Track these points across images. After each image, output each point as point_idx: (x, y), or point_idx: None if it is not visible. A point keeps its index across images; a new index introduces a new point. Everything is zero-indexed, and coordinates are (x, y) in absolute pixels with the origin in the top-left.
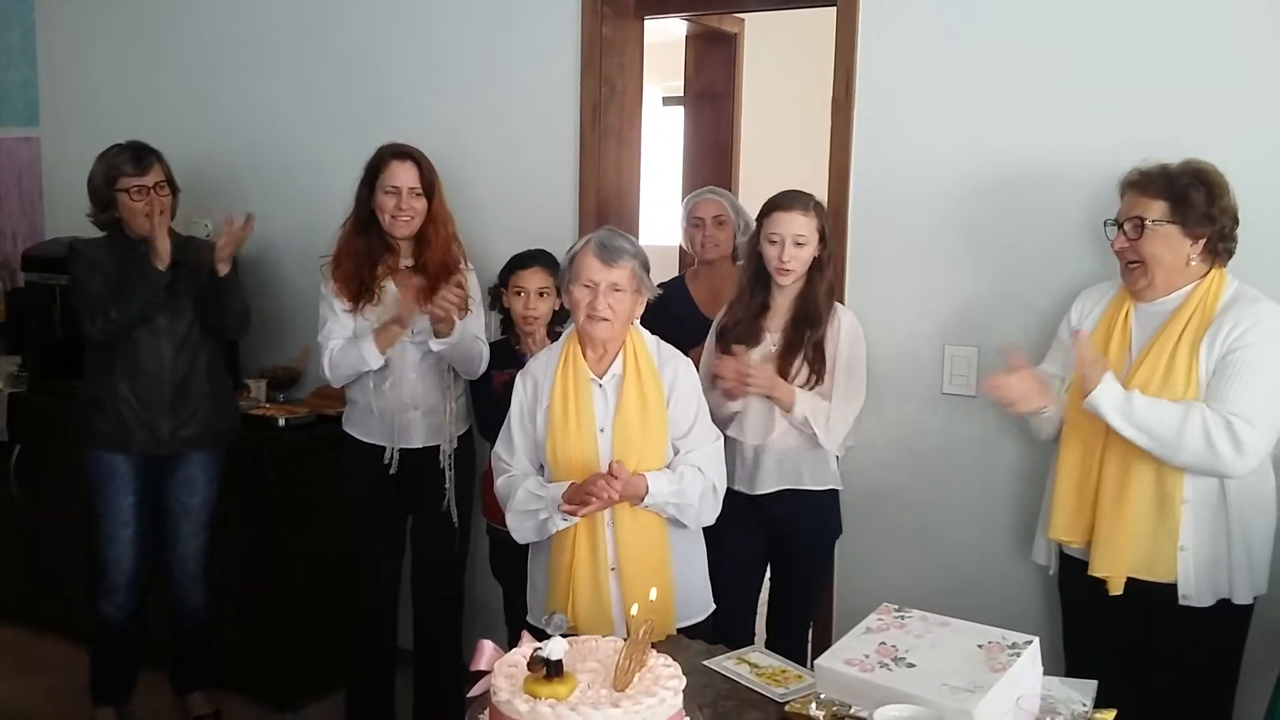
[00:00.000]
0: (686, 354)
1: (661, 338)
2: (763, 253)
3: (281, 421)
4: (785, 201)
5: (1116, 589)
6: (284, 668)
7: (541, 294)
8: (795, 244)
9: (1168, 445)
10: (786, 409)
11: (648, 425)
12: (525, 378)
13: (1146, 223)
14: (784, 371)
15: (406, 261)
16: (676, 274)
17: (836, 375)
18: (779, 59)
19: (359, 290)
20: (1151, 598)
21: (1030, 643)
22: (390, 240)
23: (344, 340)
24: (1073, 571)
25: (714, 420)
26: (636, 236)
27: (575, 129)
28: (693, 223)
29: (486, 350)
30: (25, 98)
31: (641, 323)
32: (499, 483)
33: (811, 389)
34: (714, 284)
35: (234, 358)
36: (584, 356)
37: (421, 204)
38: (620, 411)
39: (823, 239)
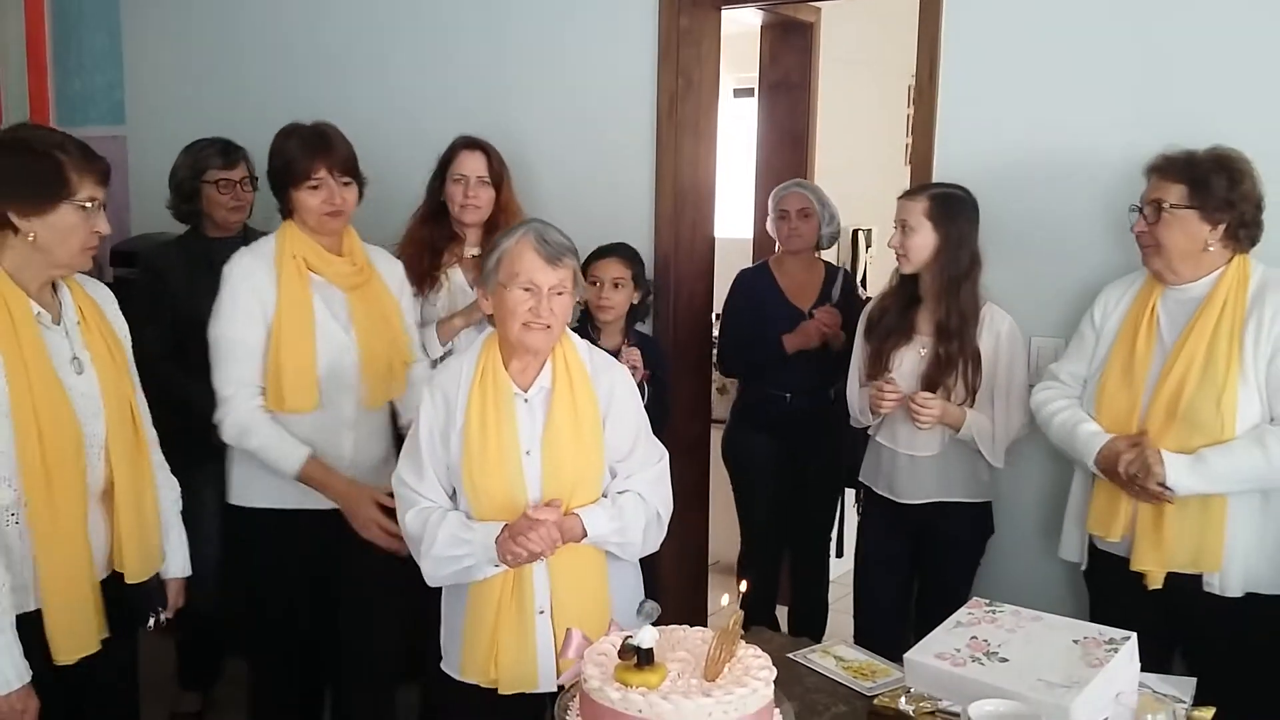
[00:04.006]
0: (780, 340)
1: (749, 324)
2: None
3: None
4: (912, 188)
5: (1156, 583)
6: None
7: (616, 285)
8: (905, 229)
9: (1266, 480)
10: (956, 429)
11: (582, 446)
12: (434, 391)
13: (1165, 206)
14: (935, 383)
15: (473, 250)
16: (761, 260)
17: (996, 387)
18: (856, 48)
19: (421, 276)
20: (1193, 592)
21: (1128, 639)
22: (457, 229)
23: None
24: (1106, 566)
25: (854, 415)
26: (712, 229)
27: (652, 121)
28: (779, 215)
29: None
30: (111, 99)
31: (729, 308)
32: (408, 517)
33: (972, 403)
34: (799, 274)
35: None
36: (505, 367)
37: (488, 194)
38: (549, 430)
39: (938, 226)
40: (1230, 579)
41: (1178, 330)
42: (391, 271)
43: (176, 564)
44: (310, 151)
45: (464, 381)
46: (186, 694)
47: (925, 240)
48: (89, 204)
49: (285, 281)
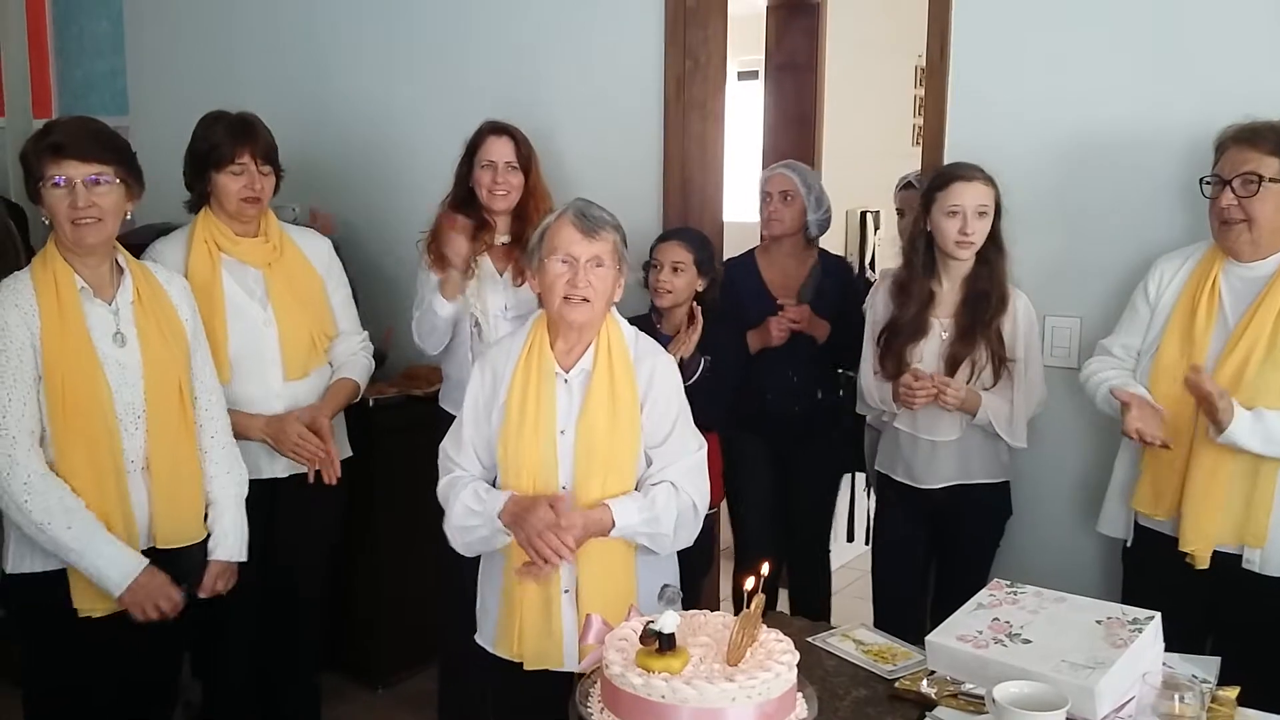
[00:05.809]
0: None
1: (726, 314)
2: (936, 230)
3: (370, 402)
4: (965, 171)
5: (1203, 563)
6: (376, 644)
7: (676, 269)
8: (979, 214)
9: None
10: (973, 413)
11: (616, 430)
12: (484, 366)
13: (1265, 179)
14: (959, 361)
15: (503, 238)
16: (749, 249)
17: (1015, 366)
18: (863, 28)
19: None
20: (1234, 569)
21: (1151, 619)
22: (487, 216)
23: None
24: (1149, 542)
25: (873, 404)
26: (721, 210)
27: (659, 102)
28: (763, 196)
29: None
30: (114, 87)
31: (705, 296)
32: (441, 484)
33: (995, 384)
34: (783, 263)
35: None
36: (551, 346)
37: (518, 179)
38: (586, 412)
39: (998, 213)
40: (1272, 557)
41: (1242, 308)
42: (316, 249)
43: (224, 548)
44: (235, 137)
45: (512, 358)
46: (196, 683)
47: (988, 225)
48: (59, 181)
49: (193, 263)
